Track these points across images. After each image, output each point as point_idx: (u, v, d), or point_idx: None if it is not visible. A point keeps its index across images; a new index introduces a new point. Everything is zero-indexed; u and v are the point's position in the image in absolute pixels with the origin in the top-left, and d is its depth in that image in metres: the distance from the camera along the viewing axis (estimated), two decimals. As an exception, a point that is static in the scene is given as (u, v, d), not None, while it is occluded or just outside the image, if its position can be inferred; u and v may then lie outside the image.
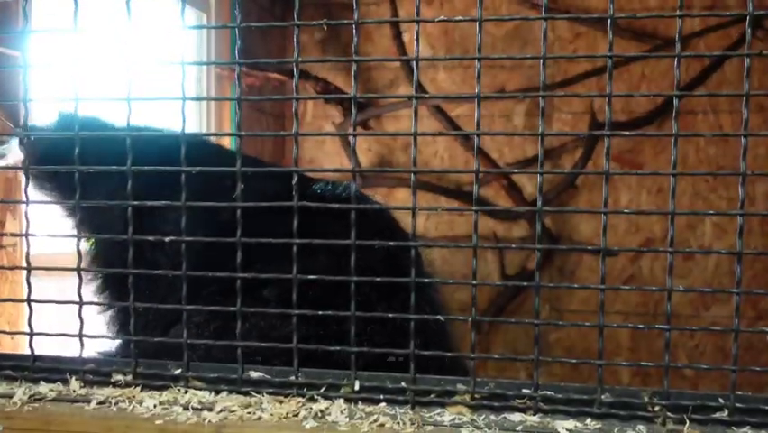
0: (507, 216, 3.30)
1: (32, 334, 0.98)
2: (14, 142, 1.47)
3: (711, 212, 0.87)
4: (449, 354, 0.98)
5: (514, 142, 3.33)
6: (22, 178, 1.10)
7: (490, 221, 3.28)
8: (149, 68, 0.97)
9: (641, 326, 0.89)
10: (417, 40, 0.84)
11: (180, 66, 0.92)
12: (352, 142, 0.90)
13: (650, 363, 0.88)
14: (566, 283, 3.34)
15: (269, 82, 2.78)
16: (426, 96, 0.92)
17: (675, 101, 0.82)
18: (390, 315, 0.89)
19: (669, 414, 0.85)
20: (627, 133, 2.98)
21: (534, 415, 0.87)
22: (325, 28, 0.80)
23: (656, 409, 0.86)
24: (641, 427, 0.84)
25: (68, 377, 0.97)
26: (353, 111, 0.86)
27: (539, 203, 0.86)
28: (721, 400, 0.85)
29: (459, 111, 3.27)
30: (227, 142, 2.47)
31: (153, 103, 1.14)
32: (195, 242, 0.95)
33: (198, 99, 2.82)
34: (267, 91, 3.22)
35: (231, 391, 0.94)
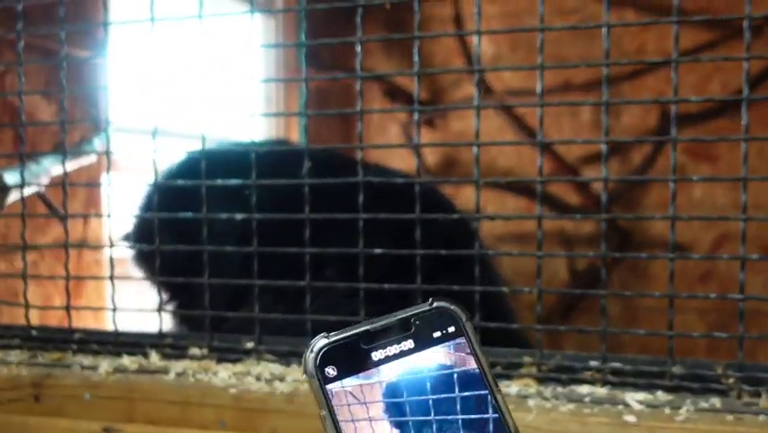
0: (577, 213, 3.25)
1: (114, 309, 1.04)
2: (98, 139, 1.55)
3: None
4: (514, 325, 0.98)
5: (580, 138, 3.28)
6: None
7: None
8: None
9: (702, 295, 0.87)
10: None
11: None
12: (416, 116, 0.91)
13: (723, 334, 0.86)
14: (638, 285, 3.26)
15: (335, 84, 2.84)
16: (487, 69, 0.92)
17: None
18: (455, 287, 0.90)
19: (744, 386, 0.82)
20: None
21: (602, 387, 0.86)
22: (388, 6, 0.82)
23: (731, 381, 0.83)
24: (714, 400, 0.82)
25: (149, 350, 1.02)
26: (416, 84, 0.87)
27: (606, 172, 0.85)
28: (801, 372, 0.82)
29: (525, 108, 3.24)
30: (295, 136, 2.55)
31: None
32: (264, 219, 0.98)
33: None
34: (334, 94, 3.27)
35: (301, 364, 0.97)
